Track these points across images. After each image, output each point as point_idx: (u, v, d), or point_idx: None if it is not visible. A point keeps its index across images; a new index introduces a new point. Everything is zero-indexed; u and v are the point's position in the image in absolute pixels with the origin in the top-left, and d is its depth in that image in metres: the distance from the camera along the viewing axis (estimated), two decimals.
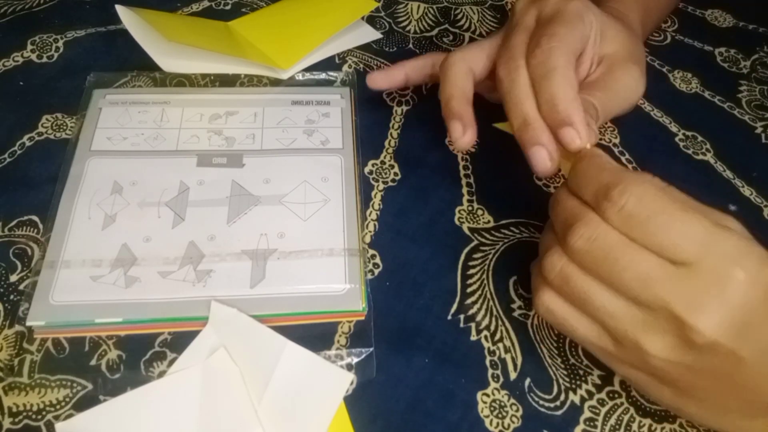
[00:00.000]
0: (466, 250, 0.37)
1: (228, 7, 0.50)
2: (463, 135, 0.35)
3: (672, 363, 0.25)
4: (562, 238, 0.27)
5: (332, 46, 0.46)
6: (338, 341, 0.33)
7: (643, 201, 0.25)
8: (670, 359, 0.25)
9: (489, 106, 0.42)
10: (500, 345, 0.33)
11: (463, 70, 0.36)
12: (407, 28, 0.50)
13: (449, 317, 0.34)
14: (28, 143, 0.39)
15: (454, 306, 0.35)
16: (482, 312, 0.35)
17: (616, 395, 0.32)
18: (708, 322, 0.24)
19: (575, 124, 0.30)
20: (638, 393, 0.32)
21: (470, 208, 0.39)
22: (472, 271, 0.36)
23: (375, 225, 0.38)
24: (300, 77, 0.44)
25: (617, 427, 0.31)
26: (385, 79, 0.42)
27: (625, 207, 0.25)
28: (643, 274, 0.25)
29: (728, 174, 0.42)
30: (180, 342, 0.32)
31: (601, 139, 0.43)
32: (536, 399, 0.32)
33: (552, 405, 0.32)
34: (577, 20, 0.34)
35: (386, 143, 0.42)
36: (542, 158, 0.31)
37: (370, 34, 0.48)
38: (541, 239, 0.31)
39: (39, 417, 0.29)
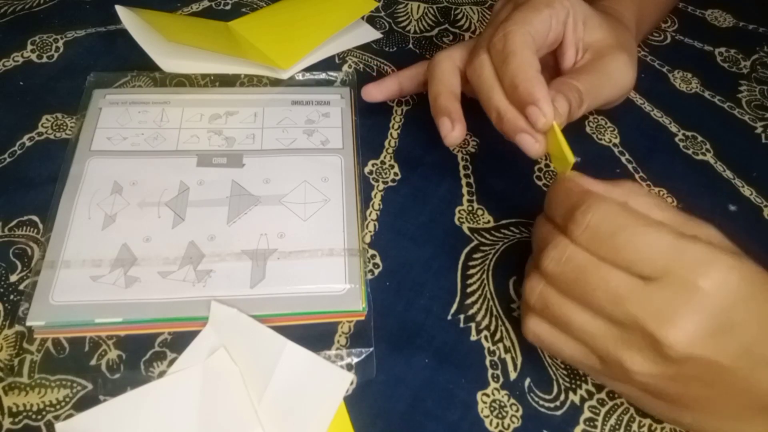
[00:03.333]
0: (466, 250, 0.37)
1: (228, 7, 0.50)
2: (452, 130, 0.35)
3: (655, 377, 0.25)
4: (538, 262, 0.28)
5: (332, 46, 0.46)
6: (338, 341, 0.33)
7: (606, 219, 0.25)
8: (652, 373, 0.25)
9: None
10: (500, 345, 0.33)
11: (448, 68, 0.37)
12: (407, 28, 0.50)
13: (449, 317, 0.34)
14: (28, 143, 0.39)
15: (454, 306, 0.35)
16: (482, 312, 0.35)
17: (616, 395, 0.32)
18: (679, 335, 0.24)
19: (538, 101, 0.30)
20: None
21: (470, 208, 0.39)
22: (472, 271, 0.36)
23: (375, 225, 0.38)
24: (300, 77, 0.44)
25: (617, 427, 0.31)
26: (379, 90, 0.42)
27: (588, 226, 0.26)
28: (612, 292, 0.25)
29: (728, 174, 0.42)
30: (180, 342, 0.32)
31: (600, 140, 0.44)
32: (536, 399, 0.32)
33: (552, 405, 0.32)
34: (541, 4, 0.34)
35: (386, 143, 0.42)
36: (528, 143, 0.32)
37: (370, 34, 0.48)
38: (526, 266, 0.32)
39: (39, 417, 0.29)
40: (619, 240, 0.25)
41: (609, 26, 0.37)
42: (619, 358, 0.26)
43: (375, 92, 0.42)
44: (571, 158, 0.29)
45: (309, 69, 0.45)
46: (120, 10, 0.40)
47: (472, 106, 0.45)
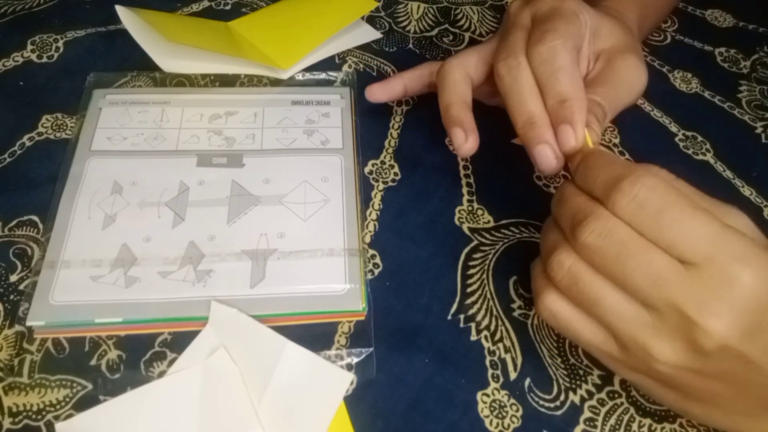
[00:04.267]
0: (466, 250, 0.37)
1: (228, 7, 0.50)
2: (465, 141, 0.35)
3: (679, 369, 0.25)
4: (571, 234, 0.27)
5: (332, 46, 0.46)
6: (338, 341, 0.33)
7: (655, 193, 0.25)
8: (678, 365, 0.25)
9: (487, 110, 0.42)
10: (500, 345, 0.33)
11: (460, 76, 0.36)
12: (407, 28, 0.50)
13: (449, 317, 0.34)
14: (28, 143, 0.39)
15: (454, 306, 0.35)
16: (482, 312, 0.35)
17: (616, 395, 0.32)
18: (718, 324, 0.23)
19: (576, 123, 0.30)
20: (638, 393, 0.32)
21: (470, 208, 0.39)
22: (472, 271, 0.36)
23: (375, 225, 0.38)
24: (300, 77, 0.44)
25: (617, 427, 0.31)
26: (383, 91, 0.41)
27: (636, 197, 0.25)
28: (654, 274, 0.24)
29: (728, 174, 0.42)
30: (180, 342, 0.32)
31: (600, 140, 0.43)
32: (536, 399, 0.32)
33: (552, 405, 0.32)
34: (574, 17, 0.34)
35: (386, 143, 0.42)
36: (547, 156, 0.31)
37: (370, 34, 0.48)
38: (542, 239, 0.30)
39: (39, 417, 0.29)
40: (666, 218, 0.24)
41: (618, 32, 0.37)
42: (645, 345, 0.25)
43: (379, 93, 0.41)
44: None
45: (309, 69, 0.45)
46: (120, 10, 0.40)
47: (476, 103, 0.45)
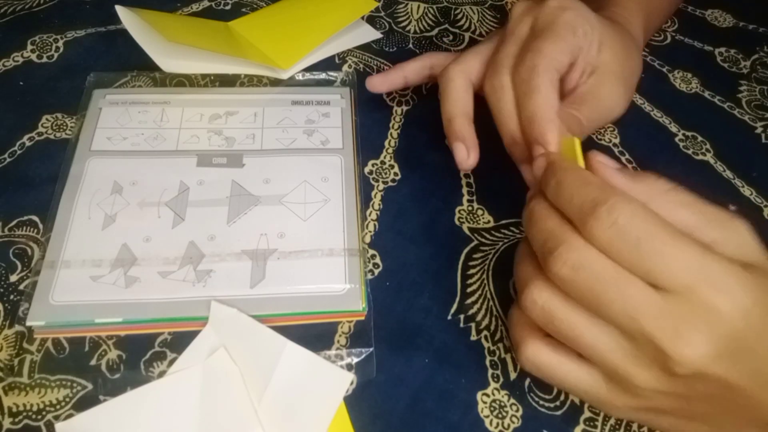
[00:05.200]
0: (466, 250, 0.37)
1: (228, 7, 0.50)
2: (467, 158, 0.35)
3: (663, 393, 0.25)
4: (543, 263, 0.26)
5: (332, 45, 0.46)
6: (338, 341, 0.33)
7: (634, 221, 0.24)
8: (661, 390, 0.25)
9: (488, 109, 0.42)
10: (500, 345, 0.33)
11: (462, 87, 0.36)
12: (407, 28, 0.50)
13: (449, 317, 0.34)
14: (28, 143, 0.39)
15: (454, 306, 0.35)
16: (482, 312, 0.35)
17: None
18: (692, 353, 0.23)
19: (547, 144, 0.31)
20: None
21: (470, 208, 0.39)
22: (472, 271, 0.36)
23: (375, 225, 0.38)
24: (300, 77, 0.44)
25: (617, 427, 0.31)
26: (383, 82, 0.42)
27: (614, 226, 0.24)
28: (630, 307, 0.24)
29: (728, 174, 0.42)
30: (180, 342, 0.32)
31: (600, 140, 0.44)
32: (536, 399, 0.32)
33: (552, 405, 0.32)
34: (568, 33, 0.34)
35: (386, 143, 0.42)
36: (527, 174, 0.33)
37: (370, 34, 0.48)
38: (516, 269, 0.29)
39: (39, 417, 0.29)
40: (645, 247, 0.23)
41: (619, 47, 0.37)
42: (628, 374, 0.25)
43: (379, 84, 0.42)
44: (574, 138, 0.29)
45: (309, 69, 0.45)
46: (120, 10, 0.40)
47: (475, 103, 0.45)
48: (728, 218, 0.26)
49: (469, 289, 0.35)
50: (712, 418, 0.26)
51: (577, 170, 0.27)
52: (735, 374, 0.24)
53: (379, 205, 0.39)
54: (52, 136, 0.40)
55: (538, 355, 0.27)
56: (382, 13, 0.51)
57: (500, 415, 0.31)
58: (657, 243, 0.24)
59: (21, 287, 0.33)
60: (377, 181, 0.40)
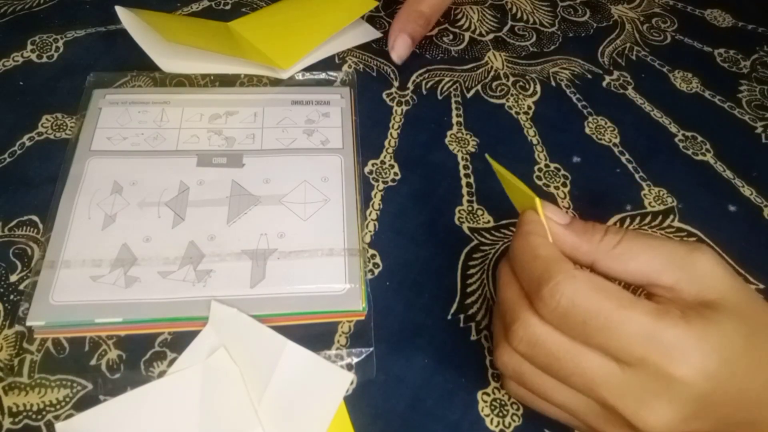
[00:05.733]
0: (466, 250, 0.37)
1: (228, 7, 0.50)
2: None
3: None
4: (505, 337, 0.26)
5: (332, 45, 0.46)
6: (338, 341, 0.33)
7: (576, 302, 0.23)
8: None
9: (489, 110, 0.42)
10: None
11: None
12: None
13: (449, 317, 0.34)
14: (28, 143, 0.39)
15: (454, 306, 0.35)
16: (482, 312, 0.34)
17: None
18: (656, 421, 0.23)
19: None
20: None
21: (470, 208, 0.39)
22: (472, 271, 0.36)
23: (375, 225, 0.38)
24: (300, 77, 0.44)
25: None
26: (405, 48, 0.44)
27: (557, 309, 0.24)
28: (589, 379, 0.24)
29: (728, 174, 0.42)
30: (180, 342, 0.32)
31: (600, 140, 0.44)
32: None
33: None
34: None
35: (386, 143, 0.42)
36: None
37: (370, 34, 0.48)
38: (493, 323, 0.30)
39: (39, 417, 0.29)
40: (592, 326, 0.23)
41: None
42: (602, 430, 0.25)
43: (402, 50, 0.45)
44: (534, 196, 0.27)
45: (309, 69, 0.45)
46: (120, 10, 0.40)
47: (476, 103, 0.45)
48: (687, 253, 0.25)
49: (469, 289, 0.35)
50: None
51: (529, 238, 0.27)
52: (708, 427, 0.24)
53: (379, 205, 0.39)
54: (52, 136, 0.40)
55: (518, 391, 0.28)
56: (382, 13, 0.51)
57: (501, 414, 0.31)
58: (602, 320, 0.23)
59: (21, 287, 0.33)
60: (377, 181, 0.40)
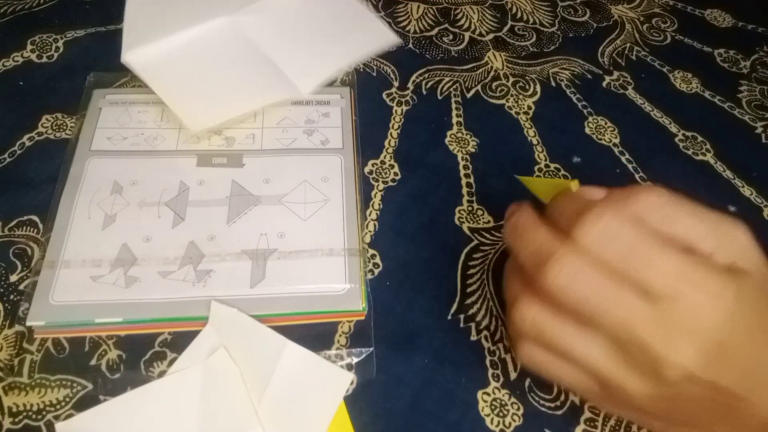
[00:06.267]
0: (466, 250, 0.37)
1: None
2: None
3: (655, 398, 0.25)
4: (537, 273, 0.25)
5: (344, 54, 0.45)
6: (338, 341, 0.33)
7: (624, 227, 0.24)
8: (653, 395, 0.25)
9: (491, 110, 0.42)
10: (500, 345, 0.33)
11: None
12: (407, 28, 0.50)
13: (449, 317, 0.34)
14: (28, 143, 0.39)
15: (454, 306, 0.35)
16: (482, 312, 0.34)
17: None
18: (683, 357, 0.23)
19: None
20: None
21: (470, 208, 0.39)
22: (472, 271, 0.36)
23: (375, 225, 0.38)
24: None
25: (617, 427, 0.31)
26: None
27: (606, 229, 0.24)
28: (624, 316, 0.24)
29: (728, 174, 0.42)
30: (180, 342, 0.32)
31: (600, 139, 0.44)
32: (537, 399, 0.32)
33: (552, 405, 0.32)
34: None
35: (386, 143, 0.42)
36: None
37: (386, 38, 0.46)
38: (505, 286, 0.29)
39: (39, 417, 0.29)
40: (636, 253, 0.24)
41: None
42: (620, 382, 0.25)
43: None
44: (574, 182, 0.28)
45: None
46: (128, 55, 0.38)
47: (476, 103, 0.45)
48: (729, 226, 0.26)
49: (469, 289, 0.35)
50: (703, 421, 0.26)
51: (566, 193, 0.28)
52: (724, 378, 0.24)
53: (379, 205, 0.39)
54: (52, 136, 0.40)
55: (533, 355, 0.27)
56: (382, 13, 0.51)
57: (501, 414, 0.31)
58: (647, 248, 0.24)
59: (21, 287, 0.33)
60: (377, 181, 0.40)
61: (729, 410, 0.25)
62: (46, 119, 0.40)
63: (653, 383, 0.24)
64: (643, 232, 0.24)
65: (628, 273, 0.24)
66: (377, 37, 0.47)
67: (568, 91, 0.46)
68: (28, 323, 0.31)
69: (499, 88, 0.46)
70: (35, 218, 0.36)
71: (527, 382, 0.32)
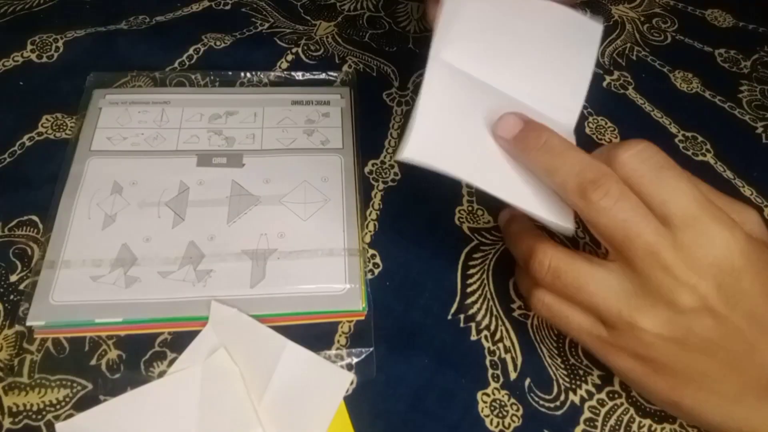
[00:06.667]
0: (466, 250, 0.37)
1: (228, 7, 0.50)
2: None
3: (664, 340, 0.26)
4: (581, 197, 0.27)
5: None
6: (338, 341, 0.33)
7: (657, 156, 0.27)
8: (663, 335, 0.26)
9: None
10: (500, 345, 0.33)
11: None
12: (407, 28, 0.50)
13: (449, 317, 0.34)
14: (28, 143, 0.39)
15: (454, 306, 0.35)
16: (482, 312, 0.35)
17: (616, 395, 0.32)
18: (701, 283, 0.25)
19: None
20: (637, 393, 0.32)
21: (470, 208, 0.39)
22: (472, 271, 0.36)
23: (375, 225, 0.38)
24: (300, 77, 0.44)
25: (617, 427, 0.31)
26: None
27: (641, 151, 0.27)
28: (654, 240, 0.25)
29: (728, 174, 0.42)
30: (180, 342, 0.32)
31: (600, 139, 0.44)
32: (536, 399, 0.32)
33: (552, 405, 0.32)
34: None
35: (386, 143, 0.42)
36: None
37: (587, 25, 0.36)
38: (516, 247, 0.32)
39: (39, 417, 0.29)
40: (665, 174, 0.26)
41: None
42: (631, 317, 0.26)
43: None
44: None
45: (309, 69, 0.45)
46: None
47: None
48: (742, 208, 0.28)
49: (469, 289, 0.35)
50: (710, 376, 0.26)
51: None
52: (735, 315, 0.25)
53: (379, 205, 0.39)
54: (52, 136, 0.40)
55: (547, 299, 0.29)
56: (382, 13, 0.51)
57: (500, 415, 0.31)
58: (674, 172, 0.26)
59: (21, 287, 0.33)
60: (377, 181, 0.40)
61: (738, 360, 0.26)
62: (46, 119, 0.40)
63: (667, 314, 0.25)
64: (673, 162, 0.27)
65: (659, 190, 0.26)
66: (579, 28, 0.37)
67: None
68: (28, 323, 0.31)
69: None
70: (35, 218, 0.36)
71: (527, 382, 0.32)
